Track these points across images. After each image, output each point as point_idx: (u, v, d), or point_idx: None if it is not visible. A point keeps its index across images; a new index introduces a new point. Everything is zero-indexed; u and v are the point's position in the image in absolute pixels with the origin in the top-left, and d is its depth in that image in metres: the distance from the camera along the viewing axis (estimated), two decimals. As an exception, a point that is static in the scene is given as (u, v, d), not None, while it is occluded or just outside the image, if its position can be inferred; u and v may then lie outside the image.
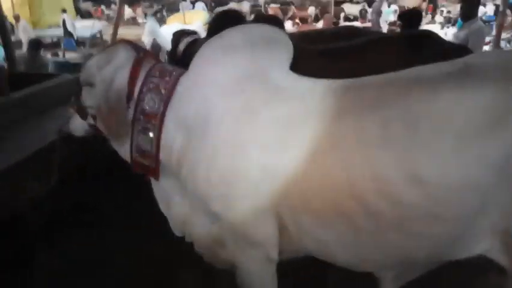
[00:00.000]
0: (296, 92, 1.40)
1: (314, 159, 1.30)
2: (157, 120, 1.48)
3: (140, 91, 1.49)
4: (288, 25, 9.79)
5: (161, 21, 9.69)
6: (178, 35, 2.78)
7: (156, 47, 4.49)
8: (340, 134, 1.28)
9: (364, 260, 1.41)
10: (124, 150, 1.65)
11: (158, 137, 1.50)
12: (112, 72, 1.52)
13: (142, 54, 1.59)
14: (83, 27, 10.47)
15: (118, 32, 4.51)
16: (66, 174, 2.17)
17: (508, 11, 8.73)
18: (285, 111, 1.36)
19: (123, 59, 1.55)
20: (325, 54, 2.08)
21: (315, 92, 1.39)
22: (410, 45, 2.11)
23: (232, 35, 1.57)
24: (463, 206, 1.21)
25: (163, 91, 1.49)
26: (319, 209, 1.32)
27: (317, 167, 1.29)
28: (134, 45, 1.62)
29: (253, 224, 1.42)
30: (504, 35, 8.03)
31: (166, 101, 1.48)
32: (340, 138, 1.28)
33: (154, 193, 1.72)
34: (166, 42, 4.94)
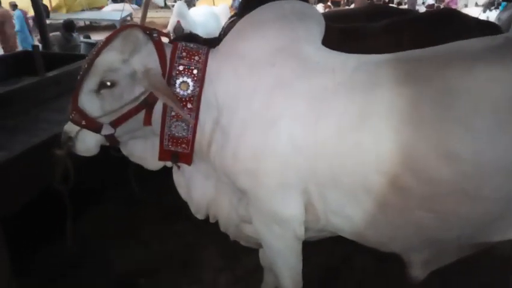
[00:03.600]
0: (328, 65, 1.37)
1: (344, 133, 1.27)
2: (194, 103, 1.44)
3: (169, 75, 1.43)
4: (319, 8, 9.59)
5: (191, 4, 9.70)
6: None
7: (179, 29, 4.46)
8: (370, 108, 1.25)
9: (392, 238, 1.38)
10: (141, 149, 1.57)
11: (195, 122, 1.46)
12: (144, 60, 1.40)
13: (157, 34, 1.48)
14: (114, 11, 10.60)
15: (148, 16, 4.54)
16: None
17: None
18: (316, 85, 1.34)
19: (146, 43, 1.43)
20: (345, 33, 2.02)
21: (346, 66, 1.35)
22: (431, 25, 2.03)
23: (263, 11, 1.54)
24: (495, 187, 1.16)
25: (195, 71, 1.44)
26: (347, 185, 1.30)
27: (346, 141, 1.27)
28: (144, 27, 1.50)
29: (280, 201, 1.41)
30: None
31: (201, 82, 1.44)
32: (371, 113, 1.25)
33: (174, 179, 1.69)
34: (192, 24, 4.92)
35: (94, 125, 1.43)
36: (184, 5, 5.13)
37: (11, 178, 1.88)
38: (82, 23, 12.74)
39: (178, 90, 1.43)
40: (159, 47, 1.44)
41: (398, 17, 2.22)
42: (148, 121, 1.46)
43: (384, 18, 2.22)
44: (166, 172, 1.75)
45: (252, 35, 1.46)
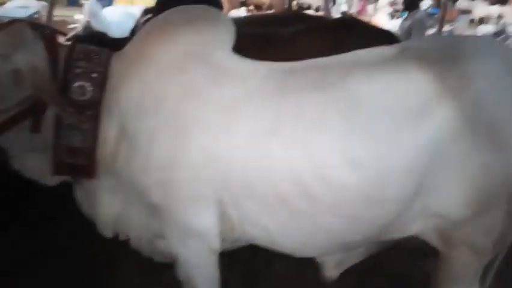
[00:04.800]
0: (239, 73, 1.36)
1: (256, 141, 1.27)
2: (93, 109, 1.33)
3: (65, 78, 1.30)
4: (243, 11, 9.68)
5: (110, 3, 9.18)
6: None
7: (88, 29, 4.16)
8: (281, 117, 1.26)
9: (305, 245, 1.41)
10: (35, 162, 1.40)
11: (95, 130, 1.34)
12: (29, 57, 1.25)
13: (49, 32, 1.36)
14: (19, 7, 9.65)
15: (56, 14, 4.17)
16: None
17: (451, 4, 9.20)
18: (227, 93, 1.31)
19: (33, 39, 1.28)
20: (253, 39, 2.04)
21: (257, 74, 1.35)
22: (334, 33, 2.13)
23: (173, 14, 1.48)
24: (397, 189, 1.23)
25: (94, 75, 1.33)
26: (260, 194, 1.29)
27: (259, 149, 1.26)
28: (33, 23, 1.37)
29: (194, 213, 1.36)
30: (447, 27, 8.46)
31: (101, 86, 1.33)
32: (281, 121, 1.26)
33: (75, 196, 1.54)
34: (106, 25, 4.63)
35: None
36: (97, 4, 4.80)
37: None
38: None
39: (74, 95, 1.30)
40: (50, 45, 1.31)
41: (305, 23, 2.29)
42: (35, 128, 1.30)
43: (298, 24, 2.27)
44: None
45: (161, 39, 1.39)
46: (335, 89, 1.25)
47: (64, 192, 1.58)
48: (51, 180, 1.45)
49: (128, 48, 1.43)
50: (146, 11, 2.88)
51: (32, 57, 1.26)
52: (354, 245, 1.42)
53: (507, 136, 1.20)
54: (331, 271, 1.62)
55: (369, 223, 1.30)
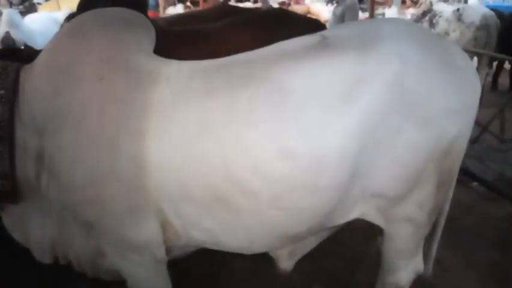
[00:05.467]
0: (161, 75, 1.29)
1: (188, 144, 1.22)
2: (4, 130, 1.22)
3: None
4: (179, 8, 9.45)
5: (33, 10, 8.57)
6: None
7: (7, 40, 3.84)
8: (210, 115, 1.22)
9: (251, 242, 1.38)
10: None
11: (11, 152, 1.24)
12: None
13: None
14: None
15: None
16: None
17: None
18: (151, 96, 1.24)
19: None
20: (182, 37, 1.98)
21: (181, 74, 1.29)
22: (264, 25, 2.13)
23: (85, 19, 1.39)
24: (333, 175, 1.24)
25: (2, 92, 1.23)
26: (199, 197, 1.25)
27: (191, 152, 1.21)
28: None
29: (132, 226, 1.29)
30: (380, 11, 8.78)
31: (11, 103, 1.23)
32: (210, 120, 1.22)
33: (4, 223, 1.43)
34: (28, 34, 4.30)
35: None
36: (15, 13, 4.43)
37: None
38: None
39: None
40: None
41: (234, 17, 2.26)
42: None
43: (227, 19, 2.24)
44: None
45: (72, 46, 1.29)
46: (261, 82, 1.23)
47: None
48: None
49: (39, 59, 1.32)
50: (71, 16, 2.71)
51: None
52: (300, 236, 1.42)
53: (429, 113, 1.24)
54: (285, 263, 1.62)
55: (311, 213, 1.30)
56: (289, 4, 11.75)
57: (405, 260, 1.51)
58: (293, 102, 1.20)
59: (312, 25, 2.21)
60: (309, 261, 1.87)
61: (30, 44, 4.10)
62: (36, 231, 1.41)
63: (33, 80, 1.27)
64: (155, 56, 1.37)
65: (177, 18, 2.98)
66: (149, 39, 1.40)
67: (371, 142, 1.23)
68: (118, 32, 1.34)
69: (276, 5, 11.15)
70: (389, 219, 1.40)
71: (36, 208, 1.37)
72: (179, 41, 1.86)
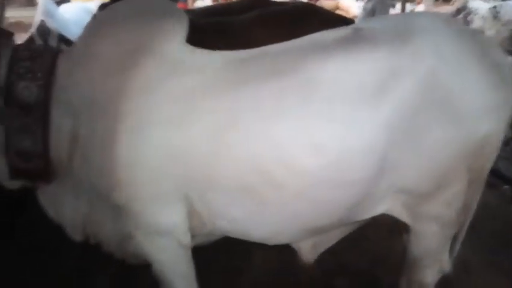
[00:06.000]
0: (194, 64, 1.31)
1: (217, 134, 1.23)
2: (41, 111, 1.27)
3: (9, 79, 1.25)
4: (208, 1, 9.49)
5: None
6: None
7: (43, 30, 3.94)
8: (240, 106, 1.23)
9: (276, 232, 1.40)
10: None
11: (45, 132, 1.29)
12: None
13: None
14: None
15: (13, 15, 3.95)
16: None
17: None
18: (183, 86, 1.27)
19: None
20: (210, 28, 2.00)
21: (213, 64, 1.31)
22: (290, 19, 2.11)
23: (120, 8, 1.42)
24: (362, 169, 1.23)
25: (40, 75, 1.27)
26: (226, 187, 1.27)
27: (219, 142, 1.23)
28: None
29: (159, 211, 1.33)
30: (409, 7, 8.57)
31: (47, 85, 1.28)
32: (240, 110, 1.23)
33: (39, 200, 1.49)
34: (63, 24, 4.41)
35: None
36: (51, 2, 4.56)
37: None
38: None
39: (20, 96, 1.25)
40: None
41: (262, 10, 2.26)
42: None
43: (256, 12, 2.24)
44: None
45: (108, 34, 1.33)
46: (291, 74, 1.23)
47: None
48: (12, 184, 1.39)
49: (75, 46, 1.37)
50: (104, 6, 2.78)
51: None
52: (324, 229, 1.43)
53: (462, 109, 1.21)
54: (307, 255, 1.62)
55: (336, 206, 1.30)
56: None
57: (431, 259, 1.49)
58: (323, 95, 1.19)
59: (341, 22, 2.18)
60: (331, 256, 1.86)
61: (64, 33, 4.22)
62: (68, 210, 1.47)
63: (69, 66, 1.31)
64: (187, 45, 1.39)
65: (205, 10, 3.00)
66: (181, 29, 1.42)
67: (401, 137, 1.21)
68: (151, 21, 1.37)
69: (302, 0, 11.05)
70: (416, 216, 1.38)
71: (69, 188, 1.42)
72: (205, 33, 1.88)
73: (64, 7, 5.30)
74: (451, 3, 6.76)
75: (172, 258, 1.45)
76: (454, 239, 1.54)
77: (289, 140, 1.20)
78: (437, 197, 1.32)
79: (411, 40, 1.22)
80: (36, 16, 4.23)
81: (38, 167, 1.32)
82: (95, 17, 1.45)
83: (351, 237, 1.71)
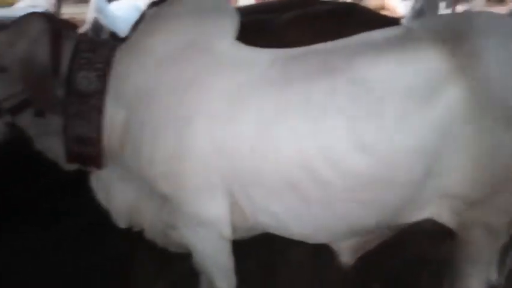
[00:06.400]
0: (243, 61, 1.34)
1: (263, 130, 1.25)
2: (97, 100, 1.35)
3: (70, 69, 1.33)
4: (251, -1, 9.60)
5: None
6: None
7: (97, 26, 4.15)
8: (288, 103, 1.24)
9: (317, 231, 1.40)
10: (54, 146, 1.46)
11: (99, 120, 1.36)
12: (29, 48, 1.32)
13: (60, 25, 1.41)
14: (29, 7, 9.75)
15: (66, 12, 4.18)
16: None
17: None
18: (232, 82, 1.30)
19: (40, 31, 1.34)
20: (251, 26, 2.01)
21: (262, 62, 1.33)
22: (333, 19, 2.08)
23: (174, 4, 1.47)
24: (411, 171, 1.21)
25: (98, 66, 1.35)
26: (270, 182, 1.28)
27: (266, 138, 1.25)
28: (49, 16, 1.43)
29: (203, 203, 1.36)
30: (460, 8, 8.21)
31: (105, 76, 1.35)
32: (288, 108, 1.24)
33: (91, 184, 1.58)
34: (113, 20, 4.61)
35: None
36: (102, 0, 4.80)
37: None
38: (-10, 22, 11.58)
39: (78, 85, 1.33)
40: (55, 37, 1.34)
41: (306, 9, 2.24)
42: (38, 113, 1.36)
43: (299, 10, 2.23)
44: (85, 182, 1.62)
45: (161, 29, 1.39)
46: (342, 72, 1.23)
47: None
48: (69, 166, 1.49)
49: (132, 39, 1.44)
50: (153, 4, 2.87)
51: (33, 47, 1.31)
52: (367, 230, 1.41)
53: None
54: (347, 257, 1.61)
55: (381, 207, 1.28)
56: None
57: (478, 268, 1.43)
58: (374, 94, 1.18)
59: (388, 22, 2.13)
60: (370, 259, 1.83)
61: (113, 29, 4.41)
62: (116, 196, 1.55)
63: (125, 58, 1.38)
64: (236, 42, 1.42)
65: (248, 8, 3.02)
66: (232, 26, 1.45)
67: (452, 140, 1.18)
68: (204, 17, 1.41)
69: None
70: (464, 223, 1.33)
71: (119, 175, 1.50)
72: (245, 31, 1.90)
73: (114, 4, 5.53)
74: (505, 3, 6.40)
75: (213, 250, 1.49)
76: (506, 249, 1.48)
77: (337, 138, 1.20)
78: (488, 203, 1.27)
79: (467, 41, 1.18)
80: (88, 13, 4.46)
81: (91, 153, 1.40)
82: (144, 15, 1.51)
83: (391, 241, 1.67)
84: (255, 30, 1.99)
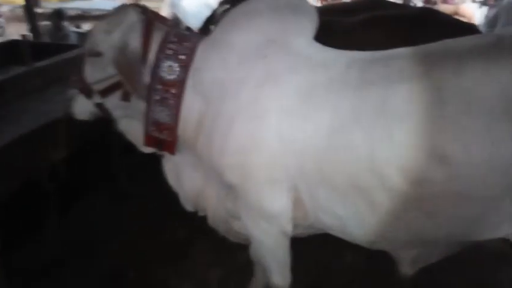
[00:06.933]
0: (320, 61, 1.35)
1: (335, 131, 1.25)
2: (177, 88, 1.43)
3: (157, 58, 1.42)
4: (312, 0, 9.51)
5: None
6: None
7: (176, 19, 4.39)
8: (363, 107, 1.23)
9: (380, 237, 1.37)
10: (135, 129, 1.57)
11: (178, 107, 1.44)
12: (123, 36, 1.42)
13: (153, 16, 1.51)
14: (105, 0, 10.43)
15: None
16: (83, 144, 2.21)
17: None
18: (308, 80, 1.31)
19: (134, 21, 1.45)
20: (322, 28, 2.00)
21: (339, 63, 1.33)
22: (408, 24, 2.01)
23: (257, 2, 1.51)
24: (488, 187, 1.14)
25: (182, 57, 1.43)
26: (337, 183, 1.28)
27: (337, 138, 1.25)
28: (143, 8, 1.53)
29: (268, 196, 1.39)
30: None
31: (187, 67, 1.43)
32: (362, 111, 1.23)
33: (163, 167, 1.68)
34: (184, 15, 4.83)
35: (85, 91, 1.53)
36: (177, -5, 5.04)
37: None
38: (72, 13, 12.51)
39: (163, 73, 1.42)
40: (147, 27, 1.44)
41: (377, 12, 2.19)
42: (125, 97, 1.47)
43: (370, 13, 2.20)
44: (155, 166, 1.72)
45: (244, 25, 1.44)
46: (422, 79, 1.19)
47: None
48: (144, 148, 1.60)
49: (214, 34, 1.50)
50: (224, 2, 2.97)
51: (127, 35, 1.42)
52: (434, 242, 1.36)
53: None
54: (406, 267, 1.56)
55: (453, 221, 1.23)
56: (434, 3, 10.82)
57: None
58: (456, 103, 1.13)
59: (465, 30, 2.03)
60: (429, 273, 1.76)
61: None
62: (185, 181, 1.63)
63: (206, 51, 1.44)
64: (315, 42, 1.44)
65: (319, 9, 3.02)
66: (312, 26, 1.47)
67: None
68: (285, 16, 1.44)
69: (420, 4, 10.41)
70: None
71: (189, 162, 1.58)
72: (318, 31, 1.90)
73: (185, 1, 5.78)
74: None
75: (273, 243, 1.51)
76: None
77: (412, 146, 1.16)
78: None
79: None
80: (163, 7, 4.70)
81: (167, 138, 1.49)
82: (214, 12, 1.59)
83: (453, 258, 1.60)
84: (321, 32, 2.00)
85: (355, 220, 1.34)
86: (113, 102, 1.52)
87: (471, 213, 1.21)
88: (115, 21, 1.46)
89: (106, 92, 1.49)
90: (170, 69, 1.42)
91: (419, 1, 9.98)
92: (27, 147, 1.95)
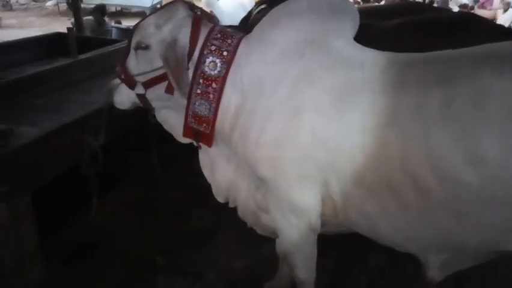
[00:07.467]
0: (357, 61, 1.37)
1: (369, 129, 1.27)
2: (218, 83, 1.48)
3: (201, 53, 1.48)
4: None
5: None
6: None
7: (214, 20, 4.54)
8: (399, 108, 1.24)
9: (409, 238, 1.37)
10: (173, 119, 1.64)
11: (217, 102, 1.49)
12: (173, 31, 1.48)
13: (200, 13, 1.57)
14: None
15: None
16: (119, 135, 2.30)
17: None
18: (344, 80, 1.34)
19: (184, 17, 1.51)
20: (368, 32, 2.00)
21: (377, 64, 1.34)
22: (445, 28, 1.98)
23: (298, 2, 1.54)
24: None
25: (225, 53, 1.48)
26: (368, 181, 1.29)
27: (372, 138, 1.26)
28: (191, 4, 1.59)
29: (299, 191, 1.42)
30: None
31: (229, 64, 1.48)
32: (398, 112, 1.24)
33: (199, 158, 1.74)
34: (220, 15, 4.94)
35: (129, 81, 1.59)
36: (213, -5, 5.17)
37: (41, 155, 1.95)
38: (112, 9, 12.93)
39: (206, 68, 1.47)
40: (195, 23, 1.50)
41: (414, 16, 2.17)
42: (169, 90, 1.52)
43: (406, 16, 2.18)
44: (188, 156, 1.79)
45: (284, 24, 1.47)
46: (461, 83, 1.18)
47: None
48: (182, 139, 1.66)
49: (255, 32, 1.55)
50: (260, 2, 3.02)
51: (176, 30, 1.48)
52: (463, 248, 1.34)
53: None
54: (434, 272, 1.54)
55: (486, 226, 1.22)
56: (471, 8, 10.50)
57: None
58: (495, 108, 1.12)
59: (507, 35, 1.96)
60: (456, 280, 1.74)
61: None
62: (220, 172, 1.69)
63: (248, 48, 1.49)
64: (354, 42, 1.46)
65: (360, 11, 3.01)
66: (352, 27, 1.49)
67: None
68: (326, 16, 1.47)
69: (456, 8, 10.12)
70: None
71: (225, 155, 1.63)
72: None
73: (222, 1, 5.89)
74: None
75: (300, 239, 1.53)
76: None
77: (447, 148, 1.16)
78: None
79: None
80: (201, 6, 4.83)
81: (205, 131, 1.55)
82: (250, 13, 1.62)
83: (481, 266, 1.57)
84: (360, 34, 2.00)
85: (384, 220, 1.35)
86: (155, 94, 1.58)
87: (503, 220, 1.20)
88: (165, 15, 1.51)
89: (149, 84, 1.55)
90: (213, 65, 1.47)
91: (455, 6, 9.71)
92: (69, 135, 2.07)
